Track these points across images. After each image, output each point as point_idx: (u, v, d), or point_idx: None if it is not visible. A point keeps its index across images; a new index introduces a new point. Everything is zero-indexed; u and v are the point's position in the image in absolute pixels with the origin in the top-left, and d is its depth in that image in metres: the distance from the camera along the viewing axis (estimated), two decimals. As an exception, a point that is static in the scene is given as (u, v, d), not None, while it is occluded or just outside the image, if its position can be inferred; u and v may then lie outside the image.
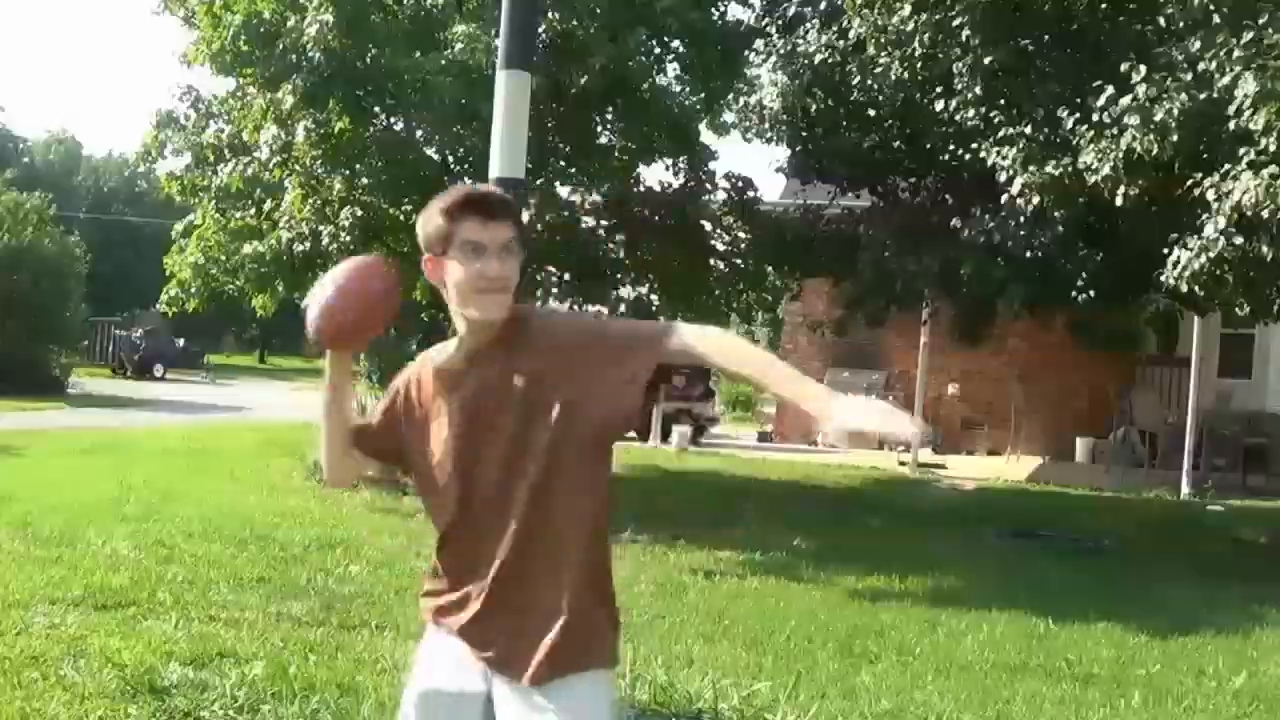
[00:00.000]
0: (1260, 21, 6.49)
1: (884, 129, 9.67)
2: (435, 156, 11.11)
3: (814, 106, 9.40)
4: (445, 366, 2.18)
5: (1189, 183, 6.84)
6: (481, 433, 2.10)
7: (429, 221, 2.10)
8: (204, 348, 38.45)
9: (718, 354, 2.06)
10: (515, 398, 2.08)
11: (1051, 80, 7.92)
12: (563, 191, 11.47)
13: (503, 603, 2.11)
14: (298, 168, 10.41)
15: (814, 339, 16.02)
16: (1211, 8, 6.73)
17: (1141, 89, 6.85)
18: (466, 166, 10.91)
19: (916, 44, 8.22)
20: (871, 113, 9.44)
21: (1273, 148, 6.36)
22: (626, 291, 10.89)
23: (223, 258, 11.21)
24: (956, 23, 8.02)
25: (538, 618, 2.08)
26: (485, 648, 2.13)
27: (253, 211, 11.32)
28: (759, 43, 9.72)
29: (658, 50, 10.32)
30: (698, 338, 2.06)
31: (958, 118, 8.31)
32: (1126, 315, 10.92)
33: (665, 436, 16.08)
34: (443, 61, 8.64)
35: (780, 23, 9.77)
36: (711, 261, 12.08)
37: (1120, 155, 6.89)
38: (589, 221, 11.82)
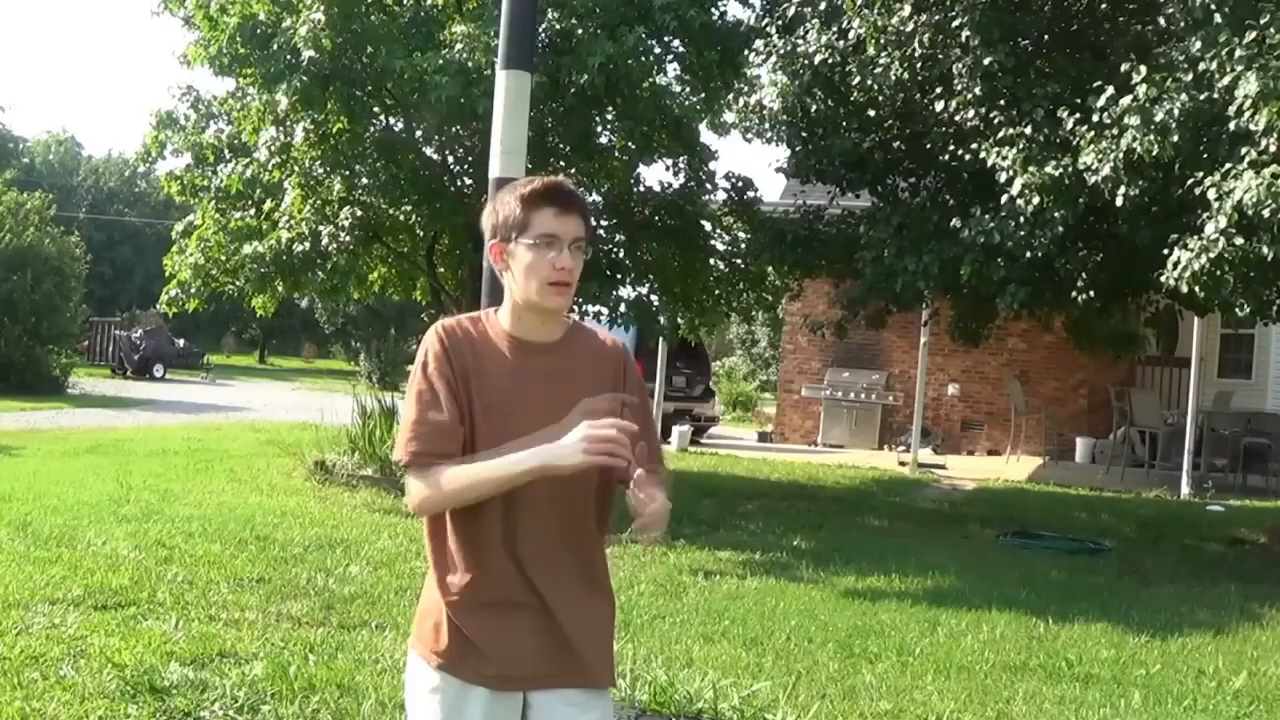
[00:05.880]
0: (1262, 21, 6.49)
1: (884, 129, 9.67)
2: (435, 156, 11.12)
3: (814, 106, 9.39)
4: (504, 346, 2.10)
5: (1189, 183, 6.84)
6: (547, 420, 2.05)
7: (503, 207, 2.09)
8: (204, 348, 38.41)
9: None
10: (581, 396, 2.06)
11: (1051, 80, 7.92)
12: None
13: (549, 608, 2.05)
14: (297, 168, 10.41)
15: (814, 339, 16.04)
16: (1212, 7, 6.72)
17: (1141, 89, 6.85)
18: (466, 166, 10.92)
19: (916, 44, 8.23)
20: (871, 113, 9.44)
21: (1273, 147, 6.36)
22: (626, 291, 10.88)
23: (223, 258, 11.21)
24: (956, 23, 8.03)
25: (584, 622, 2.08)
26: (525, 659, 2.06)
27: (253, 211, 11.33)
28: (759, 43, 9.69)
29: (657, 50, 10.31)
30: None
31: (957, 118, 8.32)
32: (1126, 315, 10.91)
33: (665, 436, 16.08)
34: (441, 61, 8.62)
35: (780, 23, 9.74)
36: (711, 261, 12.09)
37: (1120, 155, 6.89)
38: (589, 221, 11.80)
